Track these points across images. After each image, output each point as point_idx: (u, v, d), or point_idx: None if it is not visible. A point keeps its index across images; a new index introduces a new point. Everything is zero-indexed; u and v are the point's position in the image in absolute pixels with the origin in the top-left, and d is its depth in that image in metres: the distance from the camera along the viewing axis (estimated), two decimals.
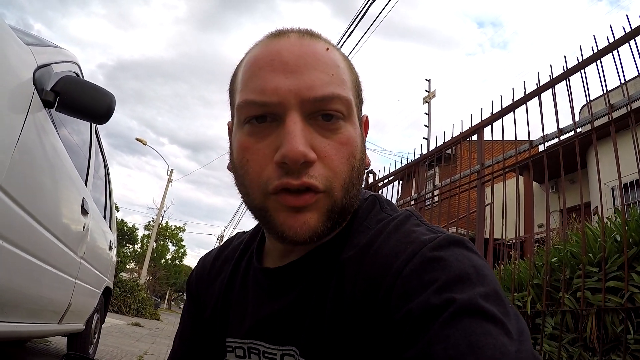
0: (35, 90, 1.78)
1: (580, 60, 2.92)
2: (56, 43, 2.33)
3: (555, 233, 4.29)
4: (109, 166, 4.53)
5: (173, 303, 59.08)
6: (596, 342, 2.29)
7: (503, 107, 3.64)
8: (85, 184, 2.96)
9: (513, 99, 3.51)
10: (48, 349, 4.90)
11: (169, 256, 46.88)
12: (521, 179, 3.88)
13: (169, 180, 27.15)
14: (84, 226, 2.92)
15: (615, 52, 2.67)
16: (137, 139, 24.23)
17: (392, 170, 5.58)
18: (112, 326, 9.42)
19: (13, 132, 1.60)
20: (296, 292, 0.69)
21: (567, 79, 3.02)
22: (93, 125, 3.36)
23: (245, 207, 0.70)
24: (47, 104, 1.88)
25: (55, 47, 2.23)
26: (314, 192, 0.61)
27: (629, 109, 2.58)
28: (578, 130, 2.95)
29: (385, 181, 5.71)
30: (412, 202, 4.89)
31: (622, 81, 2.60)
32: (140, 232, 40.73)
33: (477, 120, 4.03)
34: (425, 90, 17.36)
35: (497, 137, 3.72)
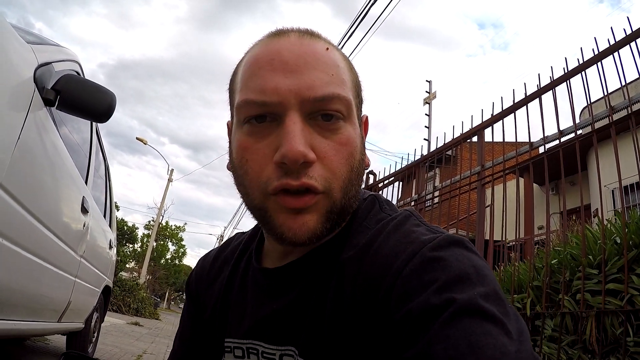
0: (36, 89, 1.78)
1: (580, 62, 2.92)
2: (57, 42, 2.33)
3: (555, 235, 4.29)
4: (110, 165, 4.53)
5: (173, 303, 59.06)
6: (596, 345, 2.29)
7: (504, 108, 3.63)
8: (86, 182, 2.97)
9: (514, 101, 3.51)
10: (47, 347, 4.90)
11: (168, 256, 46.92)
12: (521, 180, 3.88)
13: (169, 180, 27.15)
14: (84, 225, 2.92)
15: (616, 54, 2.67)
16: (137, 138, 24.23)
17: (392, 171, 5.58)
18: (111, 325, 9.42)
19: (14, 130, 1.60)
20: (295, 292, 0.69)
21: (568, 81, 3.01)
22: (93, 124, 3.36)
23: (245, 207, 0.70)
24: (48, 103, 1.88)
25: (56, 45, 2.23)
26: (313, 193, 0.61)
27: (630, 111, 2.58)
28: (578, 132, 2.95)
29: (385, 182, 5.71)
30: (412, 203, 4.88)
31: (623, 83, 2.59)
32: (140, 232, 40.77)
33: (477, 122, 4.03)
34: (426, 92, 17.36)
35: (498, 138, 3.72)
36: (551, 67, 3.17)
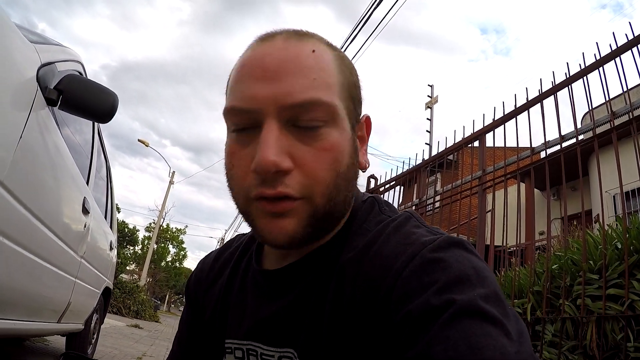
0: (38, 88, 1.78)
1: (582, 67, 2.92)
2: (60, 42, 2.34)
3: (556, 240, 4.28)
4: (111, 167, 4.54)
5: (173, 305, 59.04)
6: (596, 350, 2.29)
7: (505, 113, 3.64)
8: (87, 183, 2.97)
9: (515, 106, 3.51)
10: (47, 348, 4.90)
11: (169, 258, 46.90)
12: (522, 185, 3.88)
13: (171, 182, 27.18)
14: (85, 225, 2.92)
15: (617, 59, 2.67)
16: (139, 140, 24.28)
17: (393, 175, 5.58)
18: (111, 327, 9.41)
19: (16, 129, 1.60)
20: (294, 294, 0.69)
21: (570, 86, 3.02)
22: (96, 125, 3.37)
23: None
24: (50, 102, 1.89)
25: (59, 45, 2.24)
26: (291, 199, 0.61)
27: (631, 116, 2.58)
28: (580, 137, 2.95)
29: (386, 186, 5.71)
30: (414, 208, 4.88)
31: (625, 89, 2.60)
32: (141, 234, 40.77)
33: (479, 127, 4.03)
34: (428, 96, 17.39)
35: (499, 143, 3.72)
36: (553, 72, 3.18)
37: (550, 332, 2.64)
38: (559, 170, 2.86)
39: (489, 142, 3.99)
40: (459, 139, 4.35)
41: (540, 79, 3.29)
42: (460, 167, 4.29)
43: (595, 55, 2.82)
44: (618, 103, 2.79)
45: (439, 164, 4.74)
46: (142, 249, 39.27)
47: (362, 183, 6.12)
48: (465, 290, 0.51)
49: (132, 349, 6.56)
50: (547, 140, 3.16)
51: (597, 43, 2.85)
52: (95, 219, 3.32)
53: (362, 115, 0.73)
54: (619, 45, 2.67)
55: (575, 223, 4.44)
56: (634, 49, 2.58)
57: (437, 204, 4.85)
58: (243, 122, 0.63)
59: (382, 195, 5.54)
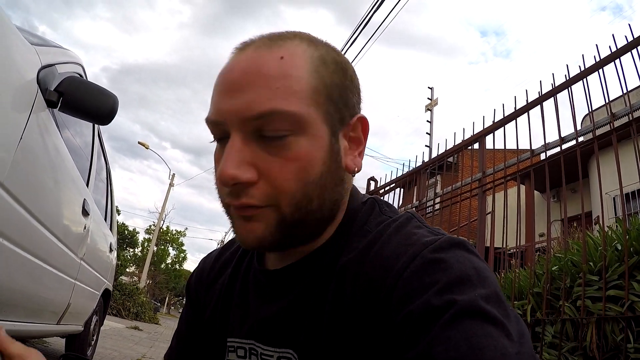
0: (39, 90, 1.78)
1: (582, 69, 2.92)
2: (60, 44, 2.34)
3: (556, 242, 4.29)
4: (111, 169, 4.54)
5: (172, 307, 58.97)
6: (596, 351, 2.28)
7: (505, 115, 3.64)
8: (87, 185, 2.97)
9: (515, 108, 3.52)
10: (46, 349, 4.89)
11: (169, 260, 46.94)
12: (522, 187, 3.88)
13: (171, 185, 27.21)
14: (85, 227, 2.92)
15: (617, 61, 2.67)
16: (139, 142, 24.33)
17: (393, 177, 5.58)
18: (110, 329, 9.41)
19: (16, 131, 1.60)
20: (293, 295, 0.70)
21: (569, 88, 3.02)
22: (96, 127, 3.37)
23: None
24: (51, 104, 1.89)
25: (59, 47, 2.24)
26: (255, 207, 0.62)
27: (631, 118, 2.58)
28: (580, 139, 2.95)
29: (386, 188, 5.72)
30: (408, 210, 4.88)
31: (624, 90, 2.60)
32: (141, 236, 40.78)
33: (479, 129, 4.04)
34: (428, 98, 17.41)
35: (499, 145, 3.72)
36: (552, 74, 3.18)
37: (550, 333, 2.64)
38: (559, 172, 2.86)
39: (488, 144, 3.99)
40: (458, 141, 4.36)
41: (540, 81, 3.30)
42: (460, 169, 4.29)
43: (594, 57, 2.83)
44: (618, 105, 2.80)
45: (439, 166, 4.74)
46: (142, 251, 39.32)
47: (362, 185, 6.13)
48: (466, 291, 0.51)
49: (131, 351, 6.55)
50: (547, 142, 3.16)
51: (596, 45, 2.86)
52: (95, 221, 3.32)
53: (355, 116, 0.70)
54: (618, 47, 2.68)
55: (575, 225, 4.44)
56: (634, 51, 2.58)
57: (437, 206, 4.86)
58: (218, 133, 0.65)
59: (382, 197, 5.54)
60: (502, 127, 3.66)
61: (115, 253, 4.89)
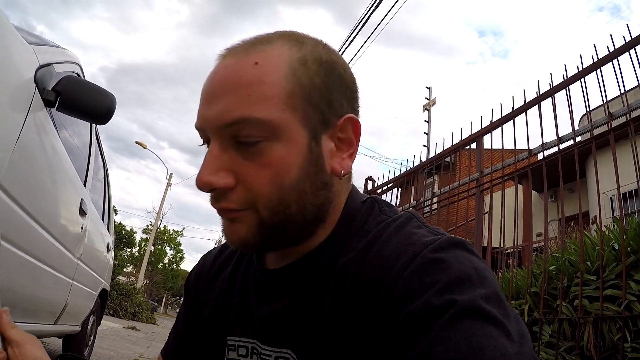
0: (36, 89, 1.78)
1: (580, 69, 2.93)
2: (58, 44, 2.34)
3: (554, 242, 4.29)
4: (108, 169, 4.53)
5: (170, 307, 58.89)
6: (593, 351, 2.29)
7: (503, 115, 3.65)
8: (84, 185, 2.96)
9: (513, 108, 3.52)
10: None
11: (166, 260, 46.89)
12: (520, 187, 3.89)
13: (168, 184, 27.20)
14: (82, 227, 2.91)
15: (615, 61, 2.68)
16: (137, 142, 24.32)
17: (391, 177, 5.59)
18: (108, 329, 9.40)
19: (13, 131, 1.60)
20: (291, 295, 0.70)
21: (567, 88, 3.03)
22: (93, 127, 3.36)
23: None
24: (48, 104, 1.88)
25: (57, 47, 2.23)
26: (235, 210, 0.64)
27: (629, 118, 2.59)
28: (577, 139, 2.96)
29: (384, 188, 5.72)
30: (408, 209, 4.89)
31: (622, 90, 2.60)
32: (138, 236, 40.77)
33: (476, 128, 4.04)
34: (426, 98, 17.41)
35: (497, 145, 3.73)
36: (550, 74, 3.19)
37: (548, 333, 2.64)
38: (557, 172, 2.87)
39: (486, 144, 4.00)
40: (456, 140, 4.36)
41: (538, 81, 3.31)
42: (458, 169, 4.30)
43: (592, 57, 2.83)
44: (615, 105, 2.80)
45: (437, 165, 4.75)
46: (139, 251, 39.30)
47: (359, 185, 6.14)
48: (466, 291, 0.51)
49: (128, 351, 6.54)
50: (544, 142, 3.17)
51: (594, 45, 2.86)
52: (92, 221, 3.31)
53: (343, 116, 0.68)
54: (616, 47, 2.68)
55: (572, 224, 4.45)
56: (632, 51, 2.58)
57: (435, 206, 4.86)
58: (203, 138, 0.68)
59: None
60: (500, 127, 3.66)
61: (112, 253, 4.89)
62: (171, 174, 27.43)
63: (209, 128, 0.64)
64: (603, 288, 2.34)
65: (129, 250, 38.39)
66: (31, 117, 1.73)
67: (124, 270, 33.23)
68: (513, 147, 3.54)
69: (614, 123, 2.71)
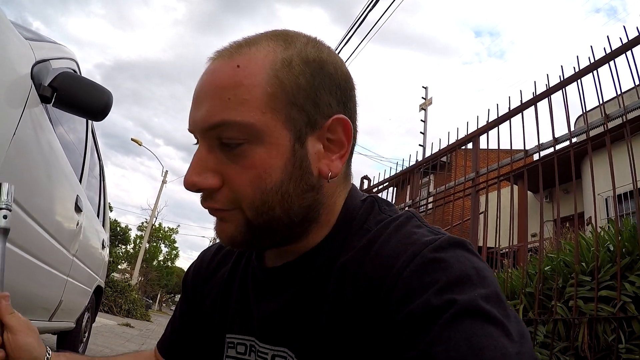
0: (32, 85, 1.77)
1: (576, 70, 2.93)
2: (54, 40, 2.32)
3: (549, 242, 4.31)
4: (104, 165, 4.51)
5: (164, 305, 58.76)
6: (588, 351, 2.30)
7: (499, 115, 3.65)
8: (80, 181, 2.95)
9: (509, 108, 3.52)
10: None
11: (161, 257, 46.74)
12: (515, 187, 3.89)
13: (164, 182, 27.11)
14: (77, 224, 2.90)
15: (611, 63, 2.68)
16: (132, 139, 24.20)
17: (386, 176, 5.59)
18: (102, 326, 9.37)
19: (9, 126, 1.58)
20: (290, 294, 0.70)
21: (564, 89, 3.03)
22: (89, 123, 3.35)
23: None
24: (44, 99, 1.87)
25: (54, 43, 2.22)
26: (222, 210, 0.65)
27: (625, 119, 2.60)
28: (573, 140, 2.97)
29: (379, 187, 5.72)
30: (406, 209, 4.89)
31: (619, 92, 2.61)
32: (133, 233, 40.62)
33: (473, 129, 4.04)
34: (422, 98, 17.43)
35: (493, 145, 3.73)
36: (547, 75, 3.20)
37: (542, 333, 2.65)
38: (552, 173, 2.87)
39: (482, 144, 4.00)
40: (452, 140, 4.37)
41: (535, 82, 3.31)
42: (454, 169, 4.30)
43: (589, 58, 2.84)
44: (612, 106, 2.81)
45: (433, 165, 4.75)
46: (134, 248, 39.12)
47: (355, 183, 6.11)
48: (466, 291, 0.51)
49: (123, 348, 6.53)
50: (540, 142, 3.17)
51: (591, 47, 2.87)
52: (87, 217, 3.30)
53: (331, 117, 0.66)
54: (613, 49, 2.69)
55: (567, 225, 4.46)
56: (628, 53, 2.59)
57: (430, 206, 4.87)
58: (195, 139, 0.68)
59: None
60: (496, 127, 3.67)
61: (107, 250, 4.87)
62: (166, 171, 27.36)
63: (196, 130, 0.65)
64: (598, 289, 2.34)
65: (123, 247, 38.20)
66: (27, 113, 1.72)
67: (119, 267, 33.12)
68: (509, 148, 3.55)
69: (610, 124, 2.71)
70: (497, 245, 3.40)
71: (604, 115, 2.71)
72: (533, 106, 3.27)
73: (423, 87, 17.61)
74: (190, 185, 0.63)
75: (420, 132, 16.67)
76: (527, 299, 2.87)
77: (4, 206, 0.88)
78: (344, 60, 0.74)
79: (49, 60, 1.99)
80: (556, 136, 3.06)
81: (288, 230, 0.67)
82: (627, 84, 2.61)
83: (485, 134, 3.85)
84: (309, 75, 0.64)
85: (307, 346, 0.65)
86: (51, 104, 1.91)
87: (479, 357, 0.44)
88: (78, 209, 2.81)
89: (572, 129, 2.98)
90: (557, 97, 3.10)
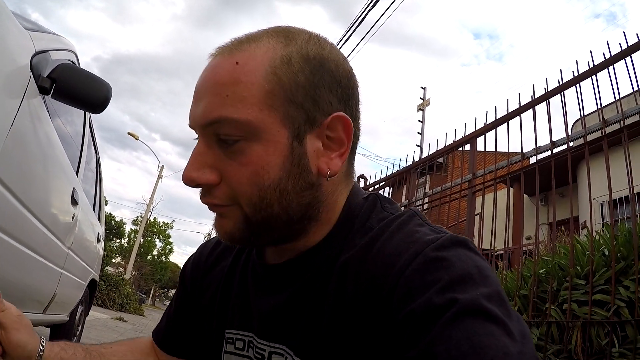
0: (31, 76, 1.76)
1: (575, 74, 2.94)
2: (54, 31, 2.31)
3: (544, 245, 4.32)
4: (100, 159, 4.50)
5: (158, 299, 58.70)
6: (581, 354, 2.31)
7: (497, 118, 3.65)
8: (77, 174, 2.94)
9: (507, 111, 3.53)
10: None
11: (155, 252, 46.70)
12: (512, 190, 3.90)
13: (159, 177, 27.07)
14: (73, 216, 2.89)
15: (610, 68, 2.69)
16: (129, 133, 24.16)
17: (383, 176, 5.59)
18: (95, 319, 9.36)
19: (7, 117, 1.58)
20: (290, 291, 0.70)
21: (562, 93, 3.04)
22: (87, 116, 3.33)
23: None
24: (43, 91, 1.86)
25: (53, 34, 2.21)
26: (220, 205, 0.66)
27: (622, 125, 2.60)
28: (571, 144, 2.97)
29: (376, 187, 5.72)
30: (402, 209, 4.89)
31: (617, 97, 2.62)
32: (128, 227, 40.58)
33: (470, 130, 4.05)
34: (420, 98, 17.43)
35: (490, 148, 3.74)
36: (546, 78, 3.20)
37: (536, 335, 2.66)
38: (549, 176, 2.88)
39: (479, 146, 4.00)
40: (450, 141, 4.37)
41: (533, 85, 3.32)
42: (450, 170, 4.31)
43: (588, 63, 2.84)
44: (610, 112, 2.82)
45: (429, 166, 4.76)
46: (128, 242, 39.12)
47: None
48: (468, 290, 0.51)
49: None
50: (538, 145, 3.18)
51: (590, 51, 2.87)
52: (83, 211, 3.29)
53: (331, 115, 0.65)
54: (612, 54, 2.70)
55: (562, 229, 4.48)
56: (627, 59, 2.60)
57: (426, 206, 4.87)
58: (195, 134, 0.68)
59: None
60: (494, 130, 3.67)
61: (102, 243, 4.86)
62: (162, 166, 27.31)
63: (195, 126, 0.66)
64: (592, 293, 2.35)
65: (118, 241, 38.20)
66: (25, 104, 1.71)
67: (113, 261, 33.05)
68: (506, 150, 3.55)
69: (608, 129, 2.72)
70: (492, 247, 3.40)
71: (601, 120, 2.71)
72: (531, 109, 3.27)
73: (421, 87, 17.63)
74: (188, 180, 0.64)
75: (418, 133, 16.68)
76: (521, 301, 2.88)
77: None
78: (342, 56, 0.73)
79: (48, 51, 1.98)
80: (554, 140, 3.06)
81: (287, 228, 0.66)
82: (625, 89, 2.61)
83: (483, 136, 3.86)
84: (308, 72, 0.64)
85: (306, 344, 0.64)
86: (50, 95, 1.90)
87: (481, 356, 0.44)
88: (74, 202, 2.80)
89: (570, 133, 2.99)
90: (555, 101, 3.11)
